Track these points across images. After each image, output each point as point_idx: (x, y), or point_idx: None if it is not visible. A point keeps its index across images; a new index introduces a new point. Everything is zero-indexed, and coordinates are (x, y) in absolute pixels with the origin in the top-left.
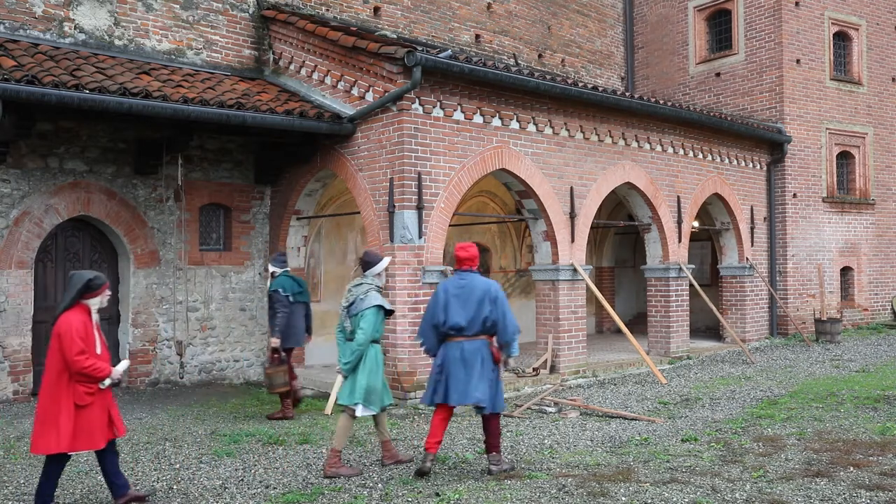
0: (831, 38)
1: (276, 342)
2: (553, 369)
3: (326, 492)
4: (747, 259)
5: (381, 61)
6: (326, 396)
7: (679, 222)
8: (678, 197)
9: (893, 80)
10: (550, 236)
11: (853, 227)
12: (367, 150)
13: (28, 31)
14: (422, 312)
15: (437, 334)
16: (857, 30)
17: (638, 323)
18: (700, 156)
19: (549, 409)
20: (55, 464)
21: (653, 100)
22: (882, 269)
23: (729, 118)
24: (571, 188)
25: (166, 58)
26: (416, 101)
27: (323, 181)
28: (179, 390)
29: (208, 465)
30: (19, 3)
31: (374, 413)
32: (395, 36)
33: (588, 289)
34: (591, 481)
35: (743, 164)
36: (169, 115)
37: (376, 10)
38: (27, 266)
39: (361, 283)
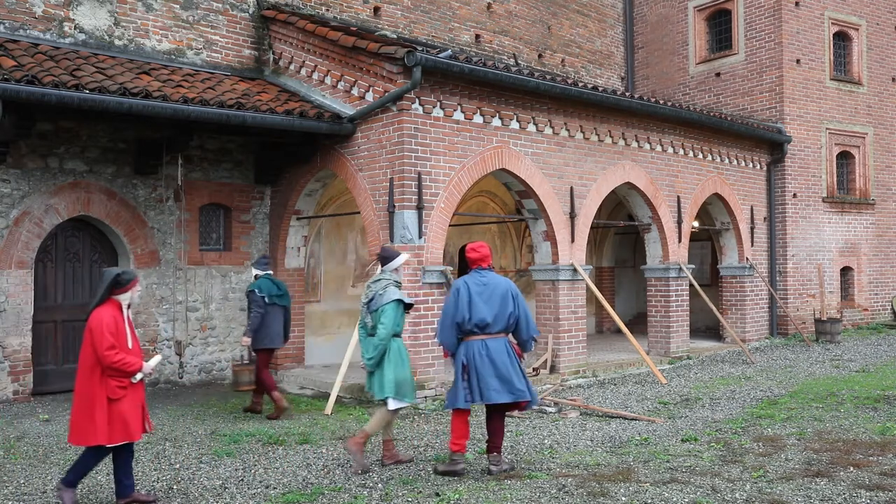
0: (831, 38)
1: (246, 341)
2: (553, 369)
3: (326, 492)
4: (747, 259)
5: (381, 61)
6: (326, 396)
7: (679, 222)
8: (678, 197)
9: (893, 80)
10: (550, 236)
11: (853, 227)
12: (367, 150)
13: (28, 31)
14: (422, 312)
15: (458, 332)
16: (857, 30)
17: (638, 323)
18: (700, 156)
19: (549, 409)
20: (93, 455)
21: (653, 100)
22: (882, 269)
23: (729, 118)
24: (571, 188)
25: (166, 58)
26: (416, 101)
27: (323, 181)
28: (179, 390)
29: (208, 465)
30: (19, 3)
31: (408, 404)
32: (395, 36)
33: (588, 289)
34: (591, 481)
35: (743, 164)
36: (169, 115)
37: (376, 10)
38: (27, 266)
39: (380, 279)
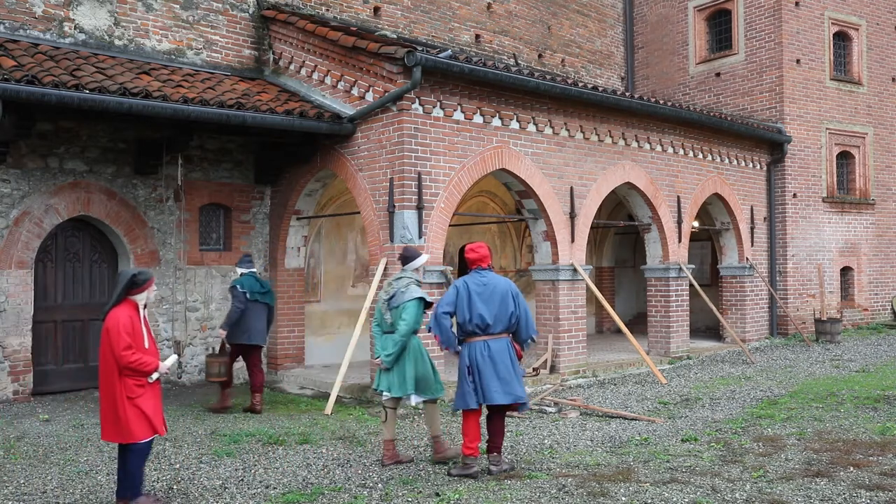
0: (831, 38)
1: (222, 333)
2: (553, 369)
3: (326, 492)
4: (747, 259)
5: (381, 61)
6: (326, 396)
7: (679, 222)
8: (678, 197)
9: (893, 80)
10: (550, 236)
11: (853, 227)
12: (367, 150)
13: (28, 31)
14: None
15: (460, 333)
16: (857, 30)
17: (638, 323)
18: (700, 156)
19: (549, 409)
20: (132, 457)
21: (653, 100)
22: (882, 269)
23: (729, 118)
24: (571, 188)
25: (166, 58)
26: (416, 101)
27: (323, 181)
28: (179, 390)
29: (208, 465)
30: (19, 3)
31: (428, 398)
32: (395, 36)
33: (588, 289)
34: (591, 481)
35: (743, 164)
36: (169, 115)
37: (376, 10)
38: (27, 266)
39: (401, 277)
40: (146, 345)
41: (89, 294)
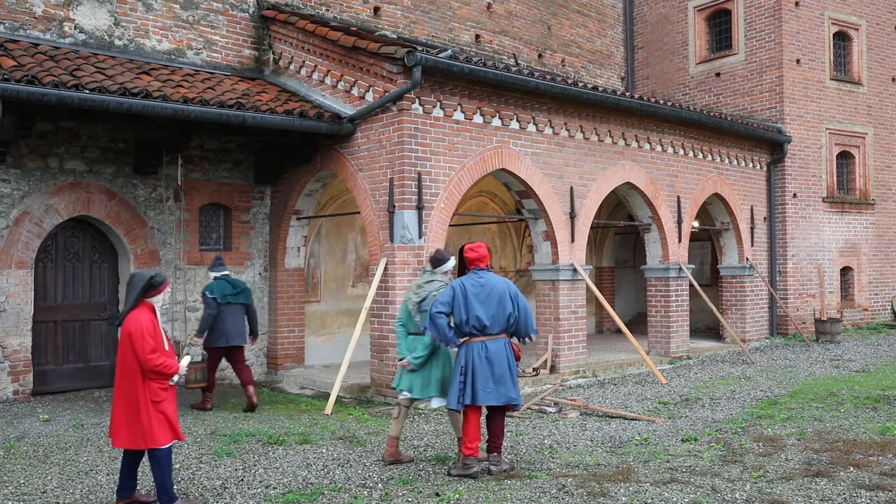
0: (831, 38)
1: (198, 341)
2: (553, 369)
3: (326, 492)
4: (747, 259)
5: (381, 61)
6: (326, 396)
7: (679, 222)
8: (678, 197)
9: (893, 80)
10: (550, 236)
11: (853, 227)
12: (367, 150)
13: (28, 31)
14: None
15: (458, 334)
16: (857, 30)
17: (638, 323)
18: (700, 156)
19: (549, 409)
20: (158, 462)
21: (653, 100)
22: (882, 269)
23: (729, 118)
24: (571, 188)
25: (166, 58)
26: (416, 101)
27: (323, 181)
28: (179, 391)
29: (208, 465)
30: (19, 3)
31: (448, 406)
32: (395, 36)
33: (588, 289)
34: (591, 481)
35: (743, 164)
36: (169, 115)
37: (376, 10)
38: (27, 266)
39: (432, 280)
40: (166, 347)
41: (89, 294)
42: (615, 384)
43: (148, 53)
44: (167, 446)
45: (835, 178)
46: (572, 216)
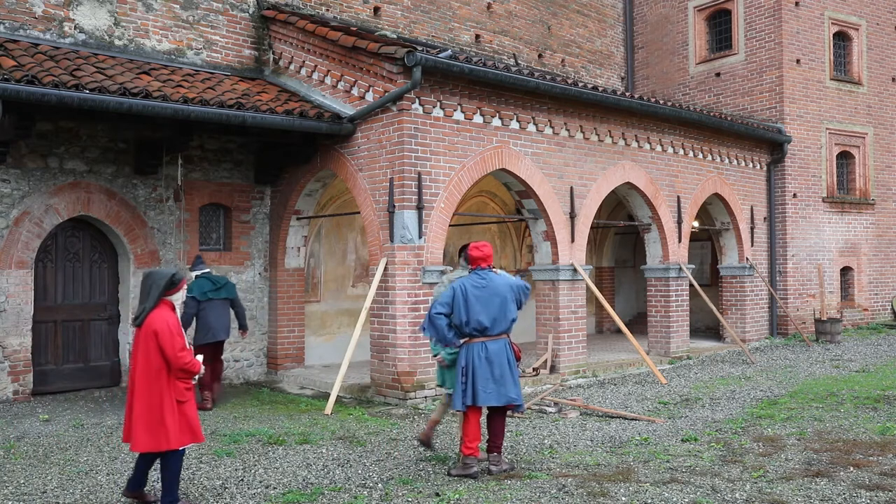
0: (831, 38)
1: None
2: (553, 369)
3: (326, 492)
4: (747, 259)
5: (381, 61)
6: (326, 396)
7: (679, 222)
8: (678, 197)
9: (893, 80)
10: (550, 236)
11: (853, 227)
12: (367, 150)
13: (28, 31)
14: (422, 312)
15: (458, 335)
16: (857, 30)
17: (638, 323)
18: (700, 156)
19: (549, 409)
20: (169, 463)
21: (653, 100)
22: (882, 269)
23: (729, 118)
24: (571, 188)
25: (166, 58)
26: (416, 101)
27: (323, 181)
28: None
29: (208, 465)
30: (19, 3)
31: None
32: (395, 36)
33: (588, 289)
34: (591, 481)
35: (743, 164)
36: (169, 115)
37: (376, 10)
38: (27, 266)
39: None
40: (187, 345)
41: (89, 294)
42: (615, 384)
43: (148, 53)
44: (183, 448)
45: (835, 178)
46: (572, 216)
